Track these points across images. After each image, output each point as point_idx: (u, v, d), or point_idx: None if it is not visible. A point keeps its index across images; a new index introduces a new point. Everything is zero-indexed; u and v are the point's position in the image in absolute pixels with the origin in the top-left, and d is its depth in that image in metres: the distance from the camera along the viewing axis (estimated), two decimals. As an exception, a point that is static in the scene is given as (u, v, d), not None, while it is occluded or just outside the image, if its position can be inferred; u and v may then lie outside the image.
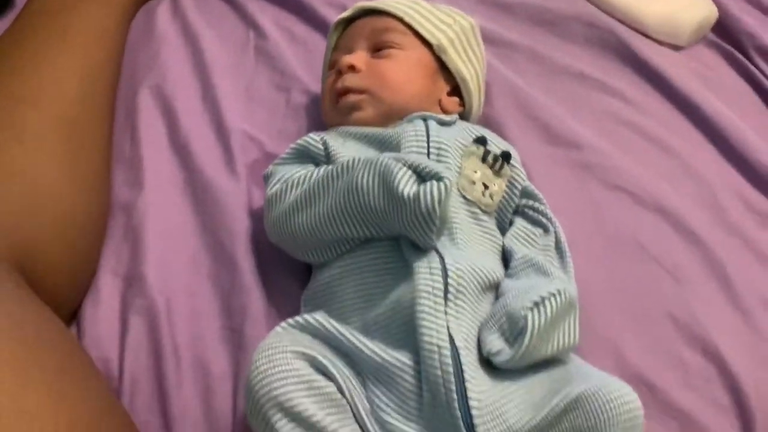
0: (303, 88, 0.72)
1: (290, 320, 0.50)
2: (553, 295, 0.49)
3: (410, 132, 0.58)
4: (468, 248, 0.54)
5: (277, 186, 0.57)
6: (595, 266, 0.60)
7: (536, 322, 0.48)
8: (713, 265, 0.61)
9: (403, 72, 0.61)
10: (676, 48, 0.80)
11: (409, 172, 0.49)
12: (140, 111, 0.70)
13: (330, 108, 0.64)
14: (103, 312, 0.58)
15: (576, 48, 0.78)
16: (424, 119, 0.60)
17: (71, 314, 0.59)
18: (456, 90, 0.65)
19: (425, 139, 0.57)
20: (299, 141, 0.60)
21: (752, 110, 0.74)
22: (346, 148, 0.59)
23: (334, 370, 0.47)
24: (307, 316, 0.50)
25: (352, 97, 0.61)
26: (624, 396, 0.46)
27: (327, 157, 0.59)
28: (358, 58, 0.62)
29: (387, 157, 0.50)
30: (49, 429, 0.41)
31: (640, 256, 0.62)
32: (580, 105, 0.73)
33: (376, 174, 0.50)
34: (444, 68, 0.64)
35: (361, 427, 0.47)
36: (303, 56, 0.75)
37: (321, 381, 0.46)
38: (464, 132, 0.61)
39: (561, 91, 0.74)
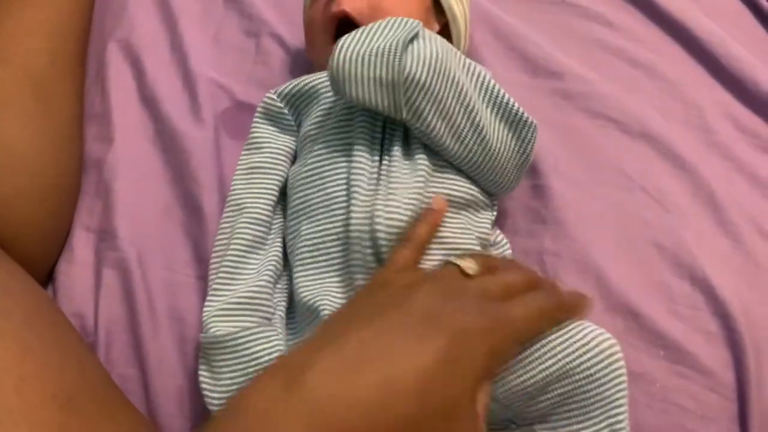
0: (272, 32, 0.69)
1: None
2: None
3: None
4: None
5: None
6: (577, 195, 0.58)
7: None
8: (702, 190, 0.58)
9: (403, 5, 0.56)
10: (666, -32, 0.76)
11: None
12: (109, 65, 0.68)
13: (320, 39, 0.57)
14: (77, 268, 0.58)
15: (557, -26, 0.74)
16: None
17: (47, 273, 0.59)
18: (444, 30, 0.61)
19: None
20: (259, 105, 0.57)
21: (746, 28, 0.70)
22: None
23: None
24: None
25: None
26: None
27: (290, 106, 0.56)
28: None
29: None
30: (13, 377, 0.40)
31: (624, 184, 0.59)
32: (561, 33, 0.69)
33: None
34: (435, 6, 0.60)
35: None
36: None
37: None
38: None
39: (541, 19, 0.70)
